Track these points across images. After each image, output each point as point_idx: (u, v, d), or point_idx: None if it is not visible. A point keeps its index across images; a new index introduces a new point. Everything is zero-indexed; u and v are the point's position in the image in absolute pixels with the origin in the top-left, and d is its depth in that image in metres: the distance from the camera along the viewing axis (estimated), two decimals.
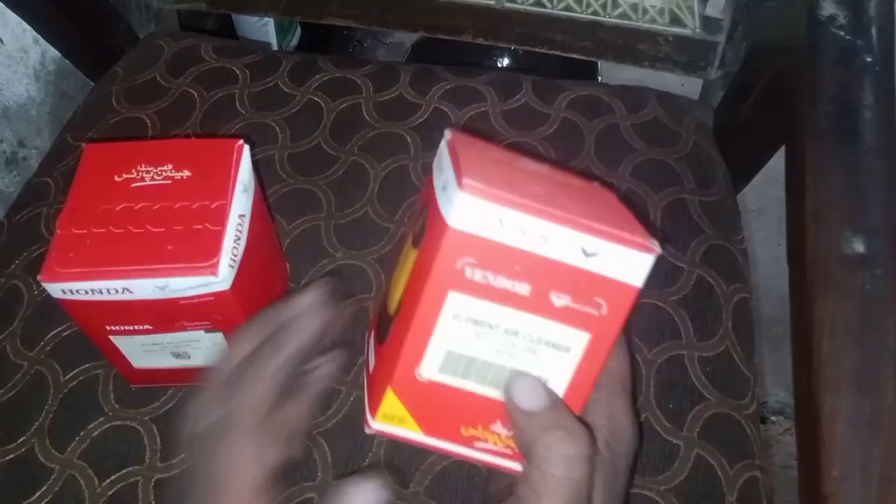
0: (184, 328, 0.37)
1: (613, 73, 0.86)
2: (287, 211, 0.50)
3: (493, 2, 0.56)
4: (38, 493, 0.40)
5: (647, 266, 0.25)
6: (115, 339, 0.38)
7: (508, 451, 0.27)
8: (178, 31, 0.65)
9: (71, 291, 0.34)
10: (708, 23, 0.55)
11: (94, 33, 0.60)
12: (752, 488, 0.41)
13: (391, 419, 0.27)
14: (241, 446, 0.27)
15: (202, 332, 0.37)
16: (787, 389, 0.96)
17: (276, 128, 0.54)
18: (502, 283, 0.25)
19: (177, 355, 0.39)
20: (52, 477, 0.41)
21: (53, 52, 0.69)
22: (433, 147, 0.53)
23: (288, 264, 0.47)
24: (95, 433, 0.42)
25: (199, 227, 0.35)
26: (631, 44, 0.56)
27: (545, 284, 0.26)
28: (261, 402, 0.27)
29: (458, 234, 0.25)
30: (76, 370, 0.44)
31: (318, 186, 0.51)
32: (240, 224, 0.36)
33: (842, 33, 0.41)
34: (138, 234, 0.35)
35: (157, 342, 0.38)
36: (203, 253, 0.34)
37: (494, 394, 0.27)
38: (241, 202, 0.37)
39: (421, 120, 0.54)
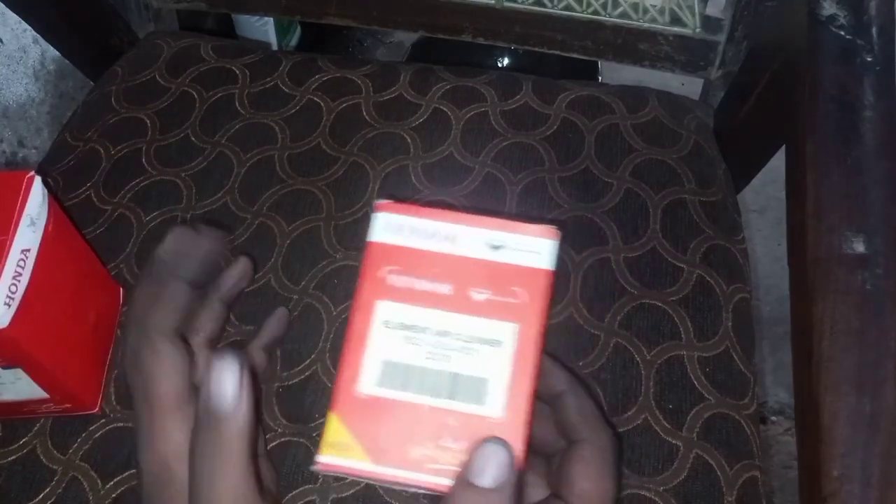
0: None
1: (613, 73, 0.86)
2: (286, 212, 0.50)
3: (493, 1, 0.56)
4: (42, 495, 0.40)
5: (551, 249, 0.28)
6: None
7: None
8: (177, 30, 0.65)
9: None
10: (708, 22, 0.55)
11: (93, 33, 0.60)
12: (752, 488, 0.41)
13: (337, 449, 0.26)
14: (157, 356, 0.28)
15: (0, 368, 0.37)
16: (787, 389, 0.96)
17: (276, 128, 0.54)
18: (424, 286, 0.28)
19: None
20: (56, 478, 0.41)
21: (53, 52, 0.70)
22: (433, 147, 0.53)
23: (122, 289, 0.47)
24: (97, 434, 0.42)
25: None
26: (631, 43, 0.56)
27: (463, 282, 0.28)
28: (171, 314, 0.29)
29: (378, 247, 0.28)
30: None
31: (317, 187, 0.51)
32: (22, 260, 0.35)
33: (842, 33, 0.41)
34: None
35: None
36: None
37: (438, 403, 0.27)
38: (27, 237, 0.36)
39: (421, 120, 0.54)
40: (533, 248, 0.28)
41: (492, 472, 0.25)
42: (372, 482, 0.28)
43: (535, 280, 0.27)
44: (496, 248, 0.28)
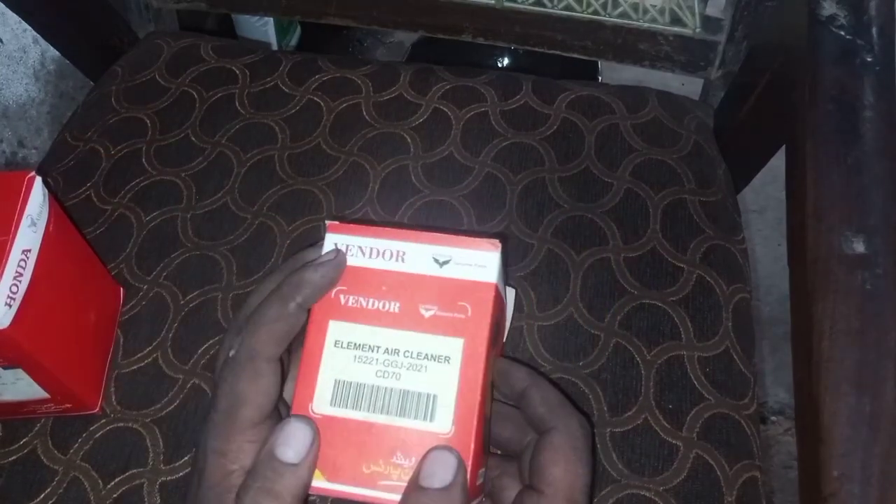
0: None
1: (613, 73, 0.86)
2: (286, 212, 0.50)
3: (493, 1, 0.56)
4: (43, 495, 0.40)
5: (495, 262, 0.28)
6: None
7: None
8: (177, 30, 0.65)
9: None
10: (708, 22, 0.55)
11: (93, 33, 0.60)
12: (752, 488, 0.41)
13: None
14: (247, 380, 0.28)
15: (0, 368, 0.37)
16: (787, 389, 0.96)
17: (276, 128, 0.54)
18: (374, 304, 0.28)
19: None
20: (57, 478, 0.41)
21: (53, 52, 0.70)
22: (433, 147, 0.53)
23: (122, 289, 0.47)
24: (98, 434, 0.42)
25: None
26: (631, 43, 0.56)
27: (412, 299, 0.28)
28: (264, 343, 0.28)
29: None
30: None
31: (317, 187, 0.51)
32: (23, 260, 0.35)
33: (842, 33, 0.41)
34: None
35: None
36: None
37: (389, 421, 0.27)
38: (28, 237, 0.36)
39: (421, 120, 0.54)
40: (478, 261, 0.28)
41: (441, 474, 0.26)
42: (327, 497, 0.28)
43: (480, 294, 0.28)
44: (443, 263, 0.28)
